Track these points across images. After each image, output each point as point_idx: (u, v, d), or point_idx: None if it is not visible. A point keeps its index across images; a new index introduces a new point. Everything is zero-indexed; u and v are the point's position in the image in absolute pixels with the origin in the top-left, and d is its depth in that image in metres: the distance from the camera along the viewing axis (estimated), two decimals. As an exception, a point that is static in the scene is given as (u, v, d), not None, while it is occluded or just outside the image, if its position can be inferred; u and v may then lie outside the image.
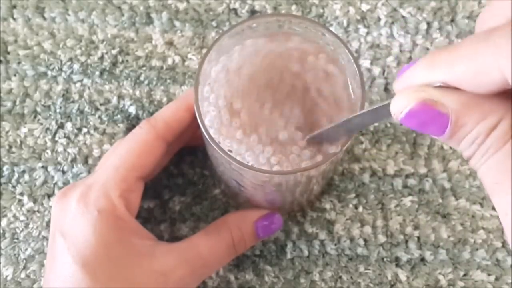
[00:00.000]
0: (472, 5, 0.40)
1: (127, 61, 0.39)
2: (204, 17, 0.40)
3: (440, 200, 0.37)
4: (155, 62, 0.39)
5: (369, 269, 0.36)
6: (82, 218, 0.29)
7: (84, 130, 0.38)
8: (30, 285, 0.36)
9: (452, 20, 0.40)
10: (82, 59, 0.40)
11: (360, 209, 0.37)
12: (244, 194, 0.34)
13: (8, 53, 0.40)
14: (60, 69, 0.39)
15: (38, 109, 0.39)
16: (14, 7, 0.41)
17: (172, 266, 0.30)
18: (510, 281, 0.36)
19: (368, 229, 0.37)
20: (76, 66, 0.39)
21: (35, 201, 0.37)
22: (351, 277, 0.36)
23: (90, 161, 0.38)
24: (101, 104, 0.39)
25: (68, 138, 0.38)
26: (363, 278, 0.36)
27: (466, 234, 0.37)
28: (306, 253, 0.36)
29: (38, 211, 0.37)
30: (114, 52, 0.40)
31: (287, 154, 0.27)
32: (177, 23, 0.40)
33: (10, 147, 0.38)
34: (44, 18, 0.40)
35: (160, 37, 0.40)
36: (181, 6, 0.40)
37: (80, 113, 0.39)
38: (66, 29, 0.40)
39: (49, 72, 0.39)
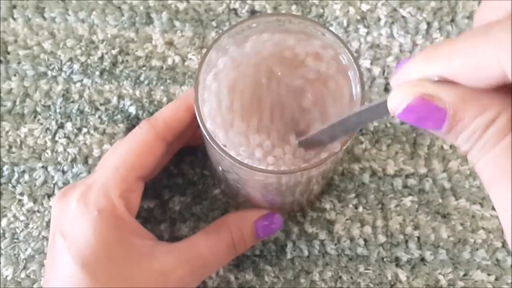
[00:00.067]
0: (472, 5, 0.40)
1: (127, 61, 0.39)
2: (204, 17, 0.40)
3: (440, 200, 0.37)
4: (155, 62, 0.39)
5: (369, 269, 0.36)
6: (82, 218, 0.29)
7: (84, 130, 0.38)
8: (30, 285, 0.36)
9: (452, 20, 0.40)
10: (82, 59, 0.40)
11: (360, 209, 0.37)
12: (244, 194, 0.34)
13: (8, 53, 0.40)
14: (60, 69, 0.39)
15: (38, 109, 0.39)
16: (14, 7, 0.41)
17: (172, 266, 0.30)
18: (510, 281, 0.36)
19: (368, 229, 0.37)
20: (76, 66, 0.39)
21: (35, 201, 0.37)
22: (351, 277, 0.36)
23: (90, 161, 0.38)
24: (101, 104, 0.39)
25: (68, 138, 0.38)
26: (363, 278, 0.36)
27: (466, 234, 0.37)
28: (306, 253, 0.36)
29: (38, 211, 0.37)
30: (114, 52, 0.40)
31: (286, 154, 0.27)
32: (177, 23, 0.40)
33: (10, 147, 0.38)
34: (44, 18, 0.40)
35: (160, 37, 0.40)
36: (181, 6, 0.40)
37: (80, 113, 0.39)
38: (66, 29, 0.40)
39: (49, 72, 0.39)
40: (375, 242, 0.36)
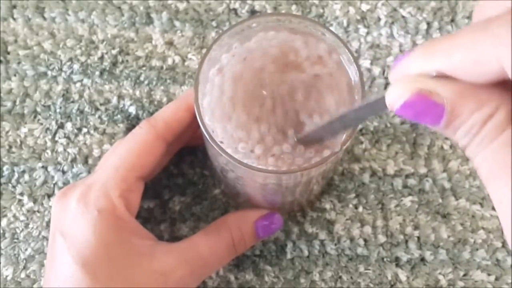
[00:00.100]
0: (472, 5, 0.40)
1: (127, 61, 0.39)
2: (204, 17, 0.40)
3: (440, 200, 0.37)
4: (155, 62, 0.39)
5: (369, 269, 0.36)
6: (82, 218, 0.29)
7: (84, 130, 0.38)
8: (30, 285, 0.36)
9: (452, 20, 0.40)
10: (82, 59, 0.40)
11: (360, 209, 0.37)
12: (244, 194, 0.34)
13: (8, 53, 0.40)
14: (60, 69, 0.39)
15: (38, 109, 0.39)
16: (14, 7, 0.41)
17: (172, 266, 0.30)
18: (510, 281, 0.36)
19: (368, 229, 0.37)
20: (76, 66, 0.39)
21: (35, 201, 0.37)
22: (351, 277, 0.36)
23: (90, 161, 0.38)
24: (101, 104, 0.39)
25: (68, 138, 0.38)
26: (363, 278, 0.36)
27: (466, 234, 0.37)
28: (306, 253, 0.36)
29: (38, 211, 0.37)
30: (114, 52, 0.40)
31: (286, 152, 0.27)
32: (177, 23, 0.40)
33: (10, 147, 0.38)
34: (44, 18, 0.40)
35: (160, 37, 0.40)
36: (181, 6, 0.40)
37: (80, 113, 0.39)
38: (66, 29, 0.40)
39: (49, 72, 0.39)
40: (375, 242, 0.36)
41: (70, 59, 0.40)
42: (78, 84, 0.39)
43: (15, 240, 0.37)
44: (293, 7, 0.40)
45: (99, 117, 0.39)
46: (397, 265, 0.36)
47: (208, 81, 0.28)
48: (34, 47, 0.40)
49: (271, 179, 0.29)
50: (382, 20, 0.40)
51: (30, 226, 0.37)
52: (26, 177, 0.38)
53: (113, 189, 0.30)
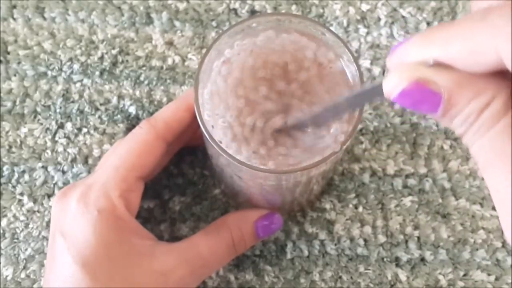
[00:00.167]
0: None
1: (127, 61, 0.39)
2: (204, 17, 0.40)
3: (440, 200, 0.37)
4: (155, 62, 0.39)
5: (369, 269, 0.36)
6: (82, 218, 0.29)
7: (84, 130, 0.38)
8: (30, 285, 0.36)
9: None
10: (82, 59, 0.40)
11: (360, 209, 0.37)
12: (244, 194, 0.34)
13: (8, 53, 0.40)
14: (60, 69, 0.39)
15: (38, 109, 0.39)
16: (14, 7, 0.41)
17: (172, 266, 0.30)
18: (510, 281, 0.36)
19: (368, 229, 0.37)
20: (76, 66, 0.39)
21: (35, 201, 0.37)
22: (351, 277, 0.36)
23: (90, 161, 0.38)
24: (101, 104, 0.39)
25: (68, 138, 0.38)
26: (363, 278, 0.36)
27: (466, 234, 0.37)
28: (306, 253, 0.36)
29: (38, 211, 0.37)
30: (114, 52, 0.40)
31: (286, 153, 0.27)
32: (177, 23, 0.40)
33: (10, 147, 0.38)
34: (44, 18, 0.40)
35: (160, 37, 0.40)
36: (181, 6, 0.40)
37: (80, 113, 0.39)
38: (66, 29, 0.40)
39: (49, 72, 0.39)
40: (375, 242, 0.36)
41: (70, 59, 0.40)
42: (78, 84, 0.39)
43: (15, 240, 0.37)
44: (293, 7, 0.40)
45: (99, 117, 0.39)
46: (397, 265, 0.36)
47: (210, 76, 0.28)
48: (34, 47, 0.40)
49: (271, 179, 0.29)
50: (382, 20, 0.40)
51: (30, 226, 0.37)
52: (26, 177, 0.38)
53: (113, 189, 0.30)
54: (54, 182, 0.38)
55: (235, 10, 0.40)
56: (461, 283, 0.36)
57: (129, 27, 0.40)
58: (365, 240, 0.37)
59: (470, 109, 0.18)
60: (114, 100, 0.39)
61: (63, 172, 0.38)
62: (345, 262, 0.36)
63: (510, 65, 0.17)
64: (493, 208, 0.37)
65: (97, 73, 0.39)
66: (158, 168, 0.35)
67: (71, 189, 0.31)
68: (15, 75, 0.39)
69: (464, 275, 0.36)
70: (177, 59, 0.39)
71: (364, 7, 0.40)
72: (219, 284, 0.36)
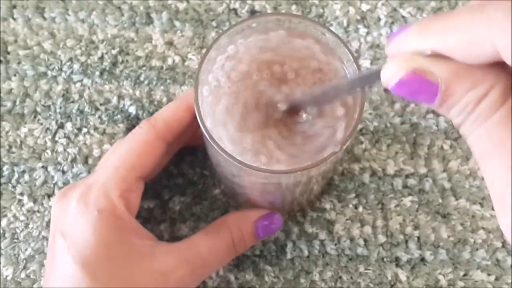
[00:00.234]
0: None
1: (127, 61, 0.39)
2: (204, 17, 0.40)
3: (440, 200, 0.37)
4: (155, 62, 0.39)
5: (369, 269, 0.36)
6: (82, 218, 0.29)
7: (84, 130, 0.38)
8: (30, 285, 0.36)
9: (452, 20, 0.40)
10: (82, 59, 0.40)
11: (360, 209, 0.37)
12: (244, 194, 0.34)
13: (8, 53, 0.40)
14: (60, 69, 0.39)
15: (38, 109, 0.39)
16: (14, 7, 0.41)
17: (172, 266, 0.30)
18: (510, 281, 0.36)
19: (368, 229, 0.37)
20: (76, 66, 0.39)
21: (35, 201, 0.37)
22: (351, 277, 0.36)
23: (90, 161, 0.38)
24: (101, 104, 0.39)
25: (68, 138, 0.38)
26: (363, 278, 0.36)
27: (466, 234, 0.37)
28: (306, 253, 0.36)
29: (38, 211, 0.37)
30: (114, 52, 0.40)
31: (284, 153, 0.27)
32: (177, 23, 0.40)
33: (10, 147, 0.38)
34: (44, 18, 0.40)
35: (160, 37, 0.40)
36: (181, 6, 0.40)
37: (80, 113, 0.39)
38: (66, 29, 0.40)
39: (49, 72, 0.39)
40: (375, 242, 0.36)
41: (70, 59, 0.40)
42: (78, 84, 0.39)
43: (15, 240, 0.37)
44: (293, 7, 0.40)
45: (99, 117, 0.39)
46: (397, 265, 0.36)
47: (213, 71, 0.28)
48: (34, 47, 0.40)
49: (271, 179, 0.29)
50: (382, 20, 0.40)
51: (30, 226, 0.37)
52: (26, 177, 0.38)
53: (113, 189, 0.30)
54: (54, 182, 0.38)
55: (235, 10, 0.40)
56: (461, 283, 0.36)
57: (129, 27, 0.40)
58: (365, 240, 0.37)
59: (468, 99, 0.19)
60: (114, 100, 0.39)
61: (63, 172, 0.38)
62: (345, 262, 0.36)
63: (506, 57, 0.17)
64: (493, 208, 0.37)
65: (97, 73, 0.39)
66: (158, 168, 0.35)
67: (71, 189, 0.31)
68: (15, 75, 0.39)
69: (464, 275, 0.36)
70: (177, 59, 0.39)
71: (364, 7, 0.40)
72: (219, 284, 0.36)
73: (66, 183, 0.37)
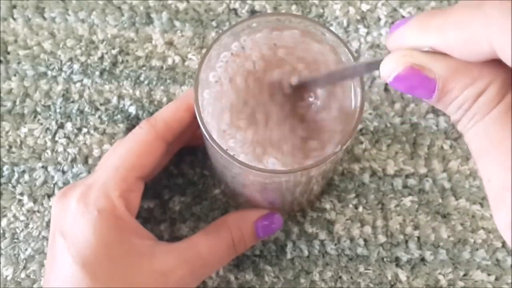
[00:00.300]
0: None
1: (127, 61, 0.39)
2: (204, 17, 0.40)
3: (440, 200, 0.37)
4: (155, 62, 0.39)
5: (369, 269, 0.36)
6: (82, 218, 0.29)
7: (84, 130, 0.38)
8: (30, 285, 0.36)
9: (452, 20, 0.40)
10: (82, 59, 0.40)
11: (360, 209, 0.37)
12: (244, 194, 0.34)
13: (8, 53, 0.40)
14: (60, 69, 0.39)
15: (38, 109, 0.39)
16: (14, 7, 0.41)
17: (172, 266, 0.30)
18: (510, 281, 0.36)
19: (368, 229, 0.37)
20: (76, 66, 0.39)
21: (35, 201, 0.37)
22: (351, 277, 0.36)
23: (90, 161, 0.38)
24: (101, 104, 0.39)
25: (68, 138, 0.38)
26: (363, 278, 0.36)
27: (466, 234, 0.37)
28: (306, 253, 0.36)
29: (38, 211, 0.37)
30: (114, 52, 0.40)
31: (284, 153, 0.27)
32: (177, 23, 0.40)
33: (10, 147, 0.38)
34: (44, 18, 0.40)
35: (160, 37, 0.40)
36: (181, 6, 0.40)
37: (80, 113, 0.39)
38: (66, 29, 0.40)
39: (49, 72, 0.39)
40: (375, 242, 0.36)
41: (70, 59, 0.40)
42: (78, 84, 0.39)
43: (15, 240, 0.37)
44: (293, 7, 0.40)
45: (99, 117, 0.39)
46: (397, 265, 0.36)
47: (216, 69, 0.28)
48: (34, 47, 0.40)
49: (271, 179, 0.29)
50: (382, 20, 0.40)
51: (30, 226, 0.37)
52: (26, 177, 0.38)
53: (113, 189, 0.30)
54: (54, 182, 0.38)
55: (235, 10, 0.40)
56: (461, 283, 0.36)
57: (129, 27, 0.40)
58: (365, 240, 0.37)
59: (466, 95, 0.19)
60: (114, 100, 0.39)
61: (63, 172, 0.38)
62: (345, 262, 0.36)
63: (502, 55, 0.17)
64: (493, 208, 0.37)
65: (97, 73, 0.39)
66: (158, 168, 0.35)
67: (71, 189, 0.31)
68: (15, 75, 0.39)
69: (464, 275, 0.36)
70: (177, 59, 0.39)
71: (364, 7, 0.40)
72: (219, 284, 0.36)
73: (66, 183, 0.37)
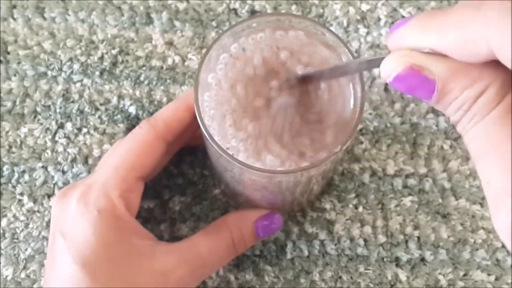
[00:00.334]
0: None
1: (127, 61, 0.39)
2: (204, 17, 0.40)
3: (440, 200, 0.37)
4: (155, 62, 0.39)
5: (369, 269, 0.36)
6: (82, 218, 0.29)
7: (84, 130, 0.38)
8: (30, 285, 0.36)
9: (452, 20, 0.40)
10: (82, 59, 0.40)
11: (360, 209, 0.37)
12: (244, 194, 0.34)
13: (8, 53, 0.40)
14: (60, 69, 0.39)
15: (38, 109, 0.39)
16: (14, 7, 0.41)
17: (172, 266, 0.30)
18: (510, 281, 0.36)
19: (368, 229, 0.37)
20: (76, 66, 0.39)
21: (35, 201, 0.37)
22: (351, 277, 0.36)
23: (90, 161, 0.38)
24: (101, 104, 0.39)
25: (68, 138, 0.38)
26: (363, 278, 0.36)
27: (466, 234, 0.37)
28: (306, 253, 0.37)
29: (38, 211, 0.37)
30: (114, 52, 0.40)
31: (284, 153, 0.27)
32: (177, 23, 0.40)
33: (10, 147, 0.38)
34: (44, 18, 0.40)
35: (160, 37, 0.40)
36: (181, 6, 0.40)
37: (80, 113, 0.39)
38: (66, 29, 0.40)
39: (49, 72, 0.39)
40: (375, 242, 0.36)
41: (70, 59, 0.40)
42: (78, 84, 0.39)
43: (15, 240, 0.37)
44: (293, 7, 0.40)
45: (99, 117, 0.39)
46: (397, 265, 0.36)
47: (216, 69, 0.28)
48: (34, 47, 0.40)
49: (271, 179, 0.29)
50: (382, 20, 0.40)
51: (30, 226, 0.37)
52: (26, 177, 0.38)
53: (113, 189, 0.30)
54: (54, 182, 0.38)
55: (235, 10, 0.40)
56: (461, 283, 0.36)
57: (129, 27, 0.40)
58: (365, 240, 0.37)
59: (465, 97, 0.19)
60: (114, 100, 0.39)
61: (63, 172, 0.38)
62: (345, 262, 0.36)
63: (500, 56, 0.17)
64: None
65: (97, 73, 0.39)
66: (158, 168, 0.35)
67: (71, 189, 0.31)
68: (15, 75, 0.39)
69: (464, 275, 0.36)
70: (177, 59, 0.39)
71: (364, 7, 0.40)
72: (219, 284, 0.36)
73: (66, 183, 0.37)
